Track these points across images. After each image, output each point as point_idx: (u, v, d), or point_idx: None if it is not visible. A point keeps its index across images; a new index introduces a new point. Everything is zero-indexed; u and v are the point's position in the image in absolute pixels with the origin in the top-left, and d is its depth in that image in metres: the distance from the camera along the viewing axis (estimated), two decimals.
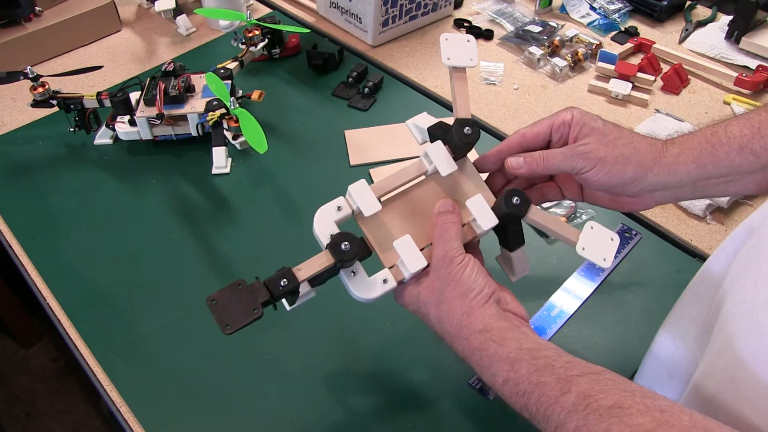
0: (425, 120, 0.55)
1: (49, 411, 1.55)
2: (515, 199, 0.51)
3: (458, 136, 0.51)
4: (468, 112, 0.54)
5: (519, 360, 0.43)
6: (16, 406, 1.56)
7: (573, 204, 0.81)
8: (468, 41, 0.55)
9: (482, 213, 0.51)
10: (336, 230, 0.50)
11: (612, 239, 0.52)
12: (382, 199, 0.52)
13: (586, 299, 0.71)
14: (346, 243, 0.48)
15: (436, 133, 0.53)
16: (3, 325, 1.61)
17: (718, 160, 0.49)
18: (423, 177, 0.53)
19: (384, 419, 0.61)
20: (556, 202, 0.81)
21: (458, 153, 0.53)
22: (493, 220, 0.51)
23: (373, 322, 0.69)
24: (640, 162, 0.50)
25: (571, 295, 0.72)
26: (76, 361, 0.67)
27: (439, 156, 0.52)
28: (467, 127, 0.52)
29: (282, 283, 0.47)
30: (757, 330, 0.41)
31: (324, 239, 0.49)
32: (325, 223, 0.50)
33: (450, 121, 0.53)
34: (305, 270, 0.49)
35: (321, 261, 0.49)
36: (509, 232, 0.53)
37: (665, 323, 0.59)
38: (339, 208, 0.50)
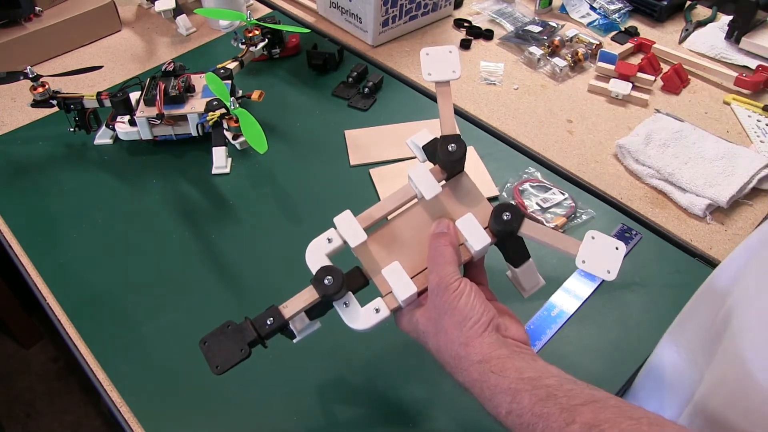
0: (423, 137, 0.53)
1: (49, 411, 1.55)
2: (505, 215, 0.49)
3: (443, 154, 0.50)
4: (453, 127, 0.51)
5: (520, 390, 0.42)
6: (16, 406, 1.56)
7: (573, 204, 0.81)
8: (450, 52, 0.53)
9: (473, 233, 0.49)
10: (328, 263, 0.49)
11: (617, 248, 0.48)
12: (375, 225, 0.51)
13: (586, 299, 0.71)
14: (329, 277, 0.48)
15: (430, 150, 0.52)
16: (3, 325, 1.61)
17: None
18: (414, 201, 0.52)
19: (383, 420, 0.61)
20: (556, 202, 0.81)
21: (450, 171, 0.51)
22: (485, 240, 0.49)
23: None
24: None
25: (571, 295, 0.72)
26: (76, 361, 0.67)
27: (422, 179, 0.50)
28: (452, 144, 0.50)
29: (268, 322, 0.48)
30: None
31: (314, 273, 0.49)
32: (316, 257, 0.50)
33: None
34: (291, 307, 0.49)
35: (305, 297, 0.49)
36: (509, 248, 0.52)
37: (670, 330, 0.58)
38: (329, 240, 0.50)
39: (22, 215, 0.81)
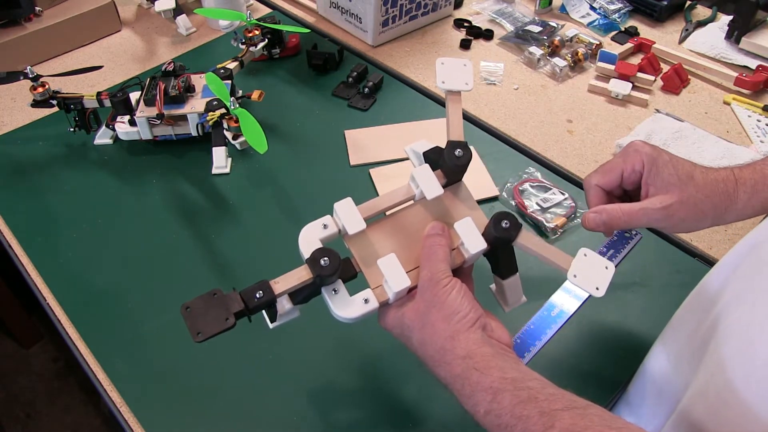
0: (422, 146, 0.54)
1: (49, 411, 1.55)
2: (504, 223, 0.50)
3: (449, 158, 0.51)
4: (461, 134, 0.53)
5: (502, 390, 0.41)
6: (16, 406, 1.56)
7: (573, 204, 0.81)
8: (464, 65, 0.55)
9: (470, 236, 0.50)
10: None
11: (606, 267, 0.50)
12: (371, 219, 0.51)
13: (586, 299, 0.71)
14: (326, 258, 0.47)
15: (431, 157, 0.53)
16: (3, 325, 1.61)
17: None
18: (411, 201, 0.53)
19: (382, 420, 0.61)
20: (556, 202, 0.81)
21: (451, 177, 0.52)
22: (481, 244, 0.50)
23: (371, 325, 0.69)
24: (716, 216, 0.52)
25: (571, 295, 0.72)
26: (76, 361, 0.67)
27: (425, 179, 0.51)
28: (458, 149, 0.51)
29: (257, 295, 0.47)
30: (749, 353, 0.40)
31: (307, 256, 0.49)
32: (310, 240, 0.49)
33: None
34: (282, 283, 0.48)
35: (300, 275, 0.48)
36: (500, 258, 0.52)
37: (661, 337, 0.58)
38: (325, 226, 0.50)
39: (22, 215, 0.81)
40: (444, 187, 0.52)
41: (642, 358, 0.61)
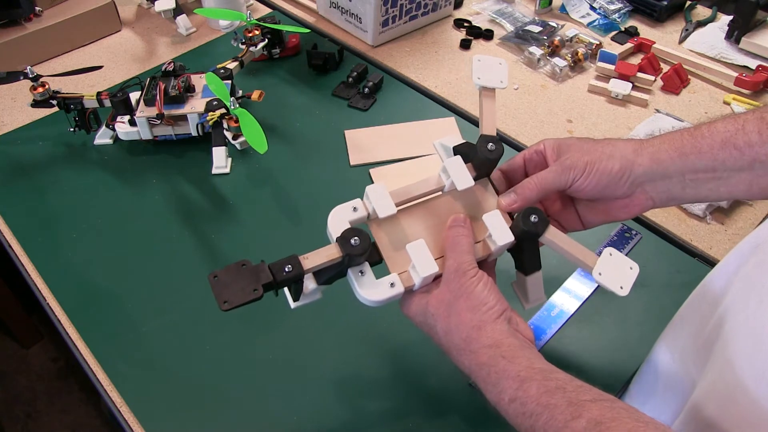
0: (452, 140, 0.55)
1: (49, 411, 1.55)
2: (533, 217, 0.50)
3: (481, 151, 0.52)
4: (493, 129, 0.54)
5: (529, 379, 0.42)
6: (16, 406, 1.56)
7: None
8: (500, 64, 0.56)
9: (498, 228, 0.51)
10: None
11: (631, 268, 0.51)
12: (398, 207, 0.51)
13: (586, 299, 0.71)
14: (356, 238, 0.47)
15: (462, 151, 0.54)
16: (3, 325, 1.61)
17: (700, 152, 0.49)
18: (440, 192, 0.53)
19: (383, 419, 0.61)
20: None
21: (481, 171, 0.53)
22: (509, 237, 0.50)
23: (372, 323, 0.69)
24: (623, 155, 0.51)
25: (571, 295, 0.72)
26: (76, 361, 0.67)
27: (457, 170, 0.51)
28: (491, 143, 0.52)
29: (286, 269, 0.47)
30: (761, 351, 0.40)
31: (336, 236, 0.49)
32: (339, 221, 0.50)
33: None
34: (312, 259, 0.48)
35: (329, 253, 0.48)
36: (525, 253, 0.53)
37: (664, 335, 0.58)
38: (355, 209, 0.50)
39: (22, 215, 0.81)
40: (474, 179, 0.52)
41: (642, 358, 0.61)
